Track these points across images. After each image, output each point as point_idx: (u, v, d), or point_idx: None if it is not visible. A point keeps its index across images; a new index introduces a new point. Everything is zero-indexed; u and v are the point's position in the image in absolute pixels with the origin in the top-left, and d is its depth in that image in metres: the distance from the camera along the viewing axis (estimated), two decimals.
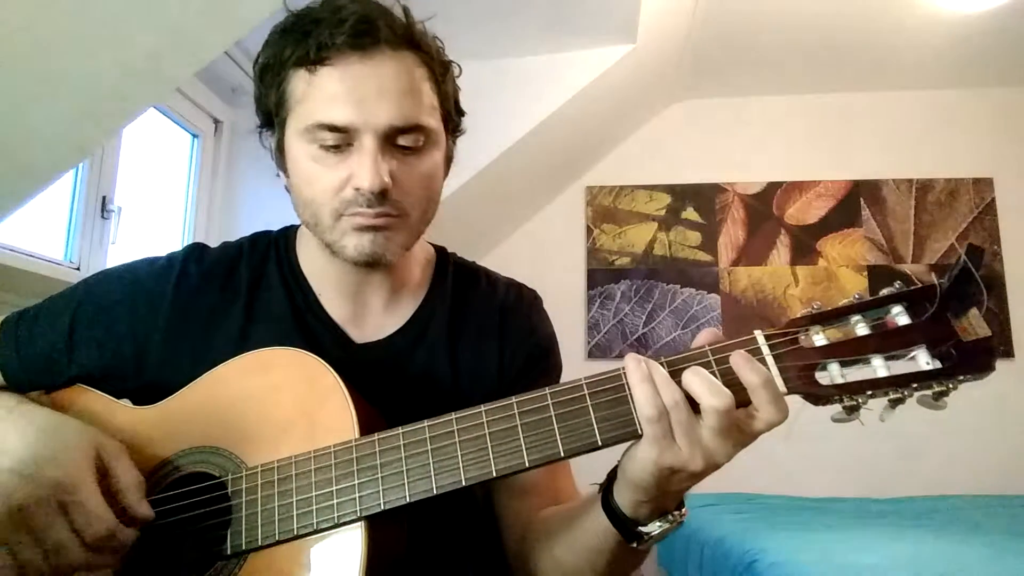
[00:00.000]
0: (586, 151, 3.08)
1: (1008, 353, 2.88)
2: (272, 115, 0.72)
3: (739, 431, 0.56)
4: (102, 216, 1.77)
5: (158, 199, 2.11)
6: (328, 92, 0.66)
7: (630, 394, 0.58)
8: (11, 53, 1.04)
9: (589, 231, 3.16)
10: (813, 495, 2.67)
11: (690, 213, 3.14)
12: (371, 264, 0.71)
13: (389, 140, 0.68)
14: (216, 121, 2.27)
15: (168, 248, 0.82)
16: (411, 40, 0.70)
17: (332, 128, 0.66)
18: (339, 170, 0.67)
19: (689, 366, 0.57)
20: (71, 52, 1.11)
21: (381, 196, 0.67)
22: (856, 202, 3.08)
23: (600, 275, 3.11)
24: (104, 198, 1.77)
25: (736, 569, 1.83)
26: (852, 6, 2.41)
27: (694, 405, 0.56)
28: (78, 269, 1.71)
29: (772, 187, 3.13)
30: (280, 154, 0.73)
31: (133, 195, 1.89)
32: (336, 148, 0.67)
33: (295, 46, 0.67)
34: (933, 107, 3.12)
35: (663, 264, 3.10)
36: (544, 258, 3.09)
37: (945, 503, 2.53)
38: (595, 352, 3.02)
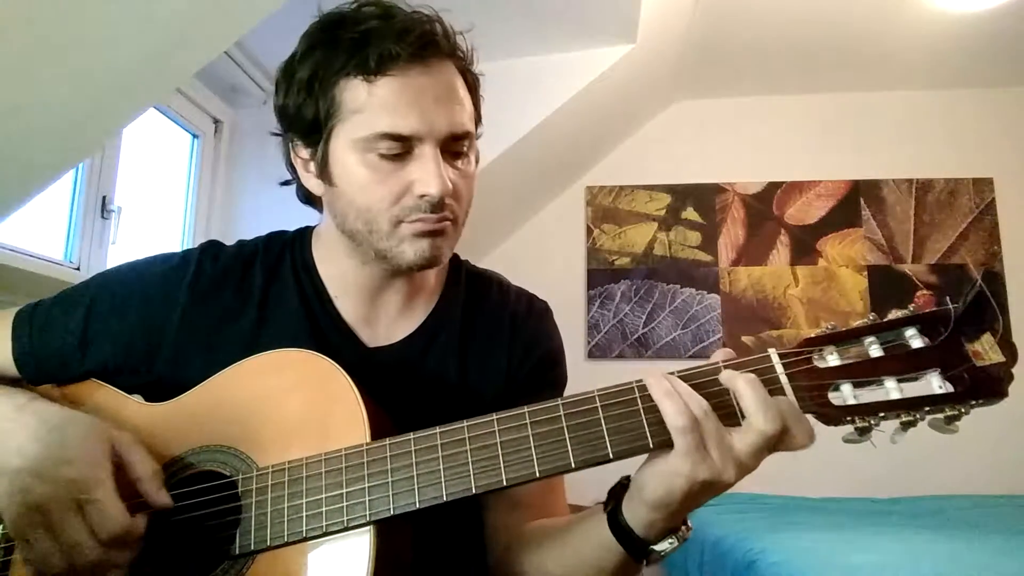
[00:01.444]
0: (586, 151, 3.07)
1: None
2: (319, 124, 0.70)
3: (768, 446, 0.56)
4: (102, 216, 1.77)
5: (158, 199, 2.10)
6: (389, 102, 0.67)
7: (660, 408, 0.57)
8: (11, 53, 1.04)
9: (589, 231, 3.16)
10: (813, 495, 2.68)
11: (690, 213, 3.14)
12: (426, 268, 0.72)
13: (444, 147, 0.69)
14: (216, 121, 2.27)
15: (169, 248, 0.82)
16: (455, 50, 0.72)
17: (395, 137, 0.67)
18: (398, 178, 0.68)
19: (745, 373, 0.57)
20: (71, 52, 1.11)
21: (441, 202, 0.68)
22: (856, 202, 3.08)
23: (600, 275, 3.11)
24: (104, 198, 1.77)
25: (736, 569, 1.83)
26: (852, 6, 2.41)
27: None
28: (78, 269, 1.71)
29: (772, 187, 3.13)
30: (323, 163, 0.71)
31: (133, 195, 1.89)
32: (393, 157, 0.68)
33: (349, 55, 0.67)
34: (933, 107, 3.12)
35: (663, 264, 3.10)
36: (544, 258, 3.09)
37: (945, 503, 2.53)
38: (595, 352, 3.02)
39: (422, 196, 0.67)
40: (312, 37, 0.71)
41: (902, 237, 3.04)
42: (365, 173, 0.68)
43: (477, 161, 0.78)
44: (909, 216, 3.06)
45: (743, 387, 0.56)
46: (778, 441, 0.56)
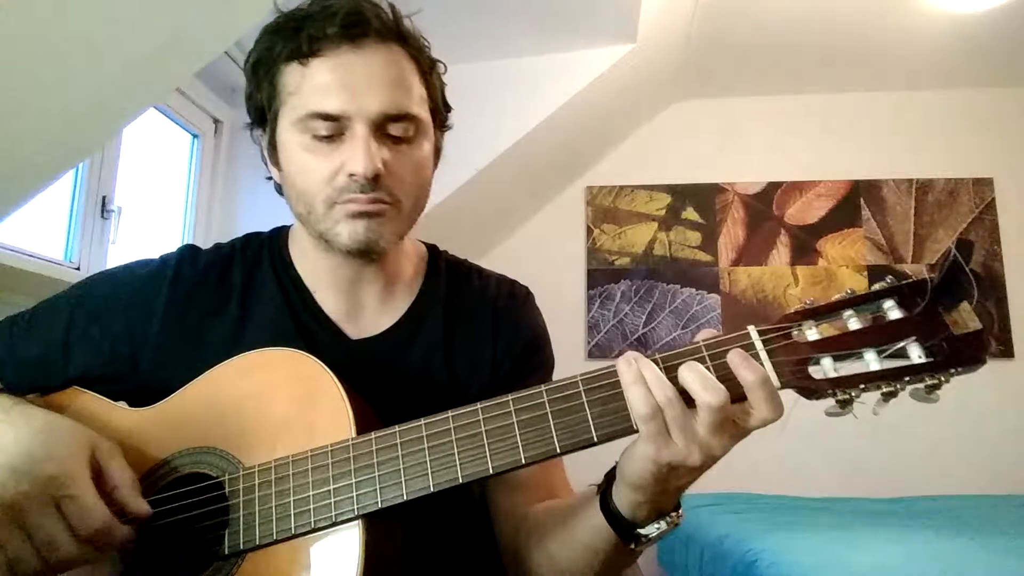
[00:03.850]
0: (586, 151, 3.07)
1: (1008, 353, 2.88)
2: (265, 110, 0.73)
3: (734, 425, 0.56)
4: (102, 216, 1.77)
5: (158, 199, 2.11)
6: (320, 82, 0.68)
7: (625, 395, 0.58)
8: (11, 53, 1.04)
9: (589, 231, 3.16)
10: (813, 495, 2.67)
11: (690, 213, 3.14)
12: (364, 252, 0.71)
13: (380, 129, 0.69)
14: (216, 121, 2.27)
15: (168, 248, 0.82)
16: (399, 34, 0.72)
17: (325, 117, 0.68)
18: (332, 159, 0.69)
19: (684, 362, 0.57)
20: (71, 52, 1.11)
21: (374, 182, 0.68)
22: (856, 202, 3.08)
23: (600, 275, 3.11)
24: (104, 198, 1.78)
25: (736, 569, 1.83)
26: (852, 6, 2.41)
27: (688, 400, 0.56)
28: (78, 269, 1.71)
29: (772, 187, 3.13)
30: (272, 149, 0.74)
31: (133, 195, 1.90)
32: (328, 138, 0.69)
33: (286, 41, 0.69)
34: (933, 107, 3.12)
35: (663, 264, 3.10)
36: (544, 258, 3.09)
37: (945, 503, 2.53)
38: (595, 352, 3.02)
39: (351, 175, 0.68)
40: (263, 30, 0.73)
41: (902, 237, 3.04)
42: (302, 155, 0.70)
43: (438, 151, 0.79)
44: (909, 216, 3.05)
45: (684, 374, 0.56)
46: (742, 415, 0.56)
